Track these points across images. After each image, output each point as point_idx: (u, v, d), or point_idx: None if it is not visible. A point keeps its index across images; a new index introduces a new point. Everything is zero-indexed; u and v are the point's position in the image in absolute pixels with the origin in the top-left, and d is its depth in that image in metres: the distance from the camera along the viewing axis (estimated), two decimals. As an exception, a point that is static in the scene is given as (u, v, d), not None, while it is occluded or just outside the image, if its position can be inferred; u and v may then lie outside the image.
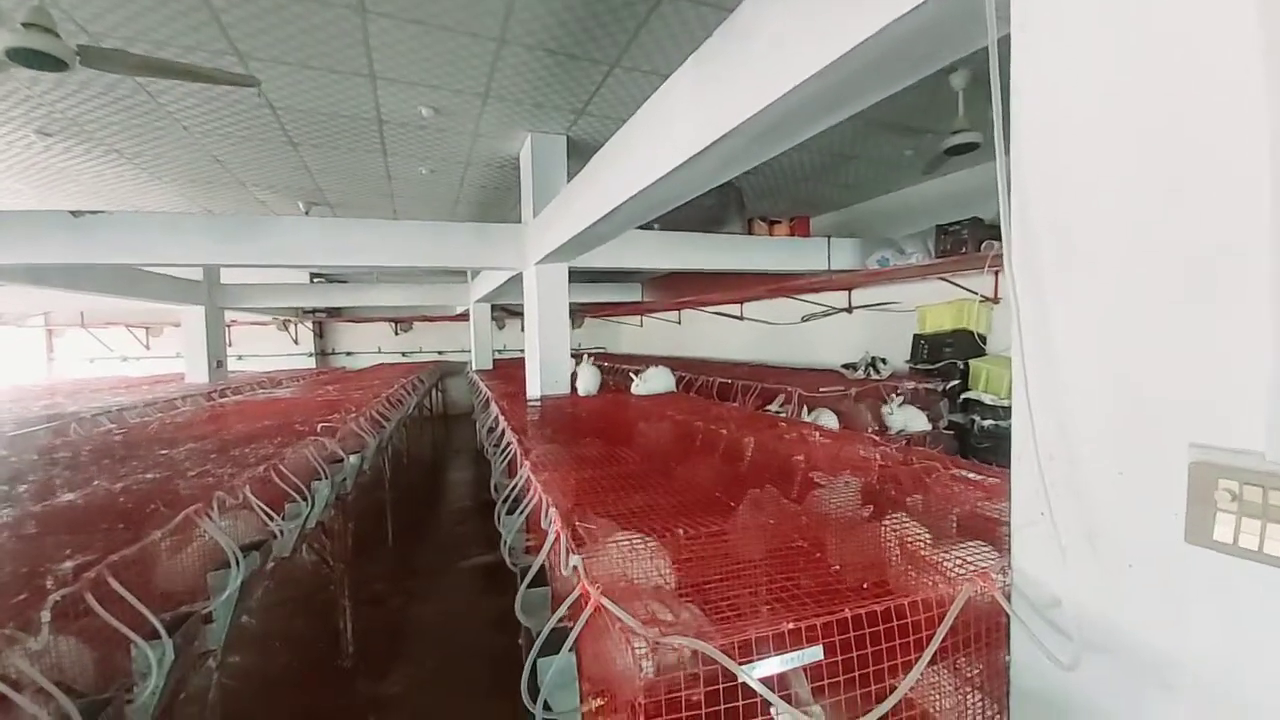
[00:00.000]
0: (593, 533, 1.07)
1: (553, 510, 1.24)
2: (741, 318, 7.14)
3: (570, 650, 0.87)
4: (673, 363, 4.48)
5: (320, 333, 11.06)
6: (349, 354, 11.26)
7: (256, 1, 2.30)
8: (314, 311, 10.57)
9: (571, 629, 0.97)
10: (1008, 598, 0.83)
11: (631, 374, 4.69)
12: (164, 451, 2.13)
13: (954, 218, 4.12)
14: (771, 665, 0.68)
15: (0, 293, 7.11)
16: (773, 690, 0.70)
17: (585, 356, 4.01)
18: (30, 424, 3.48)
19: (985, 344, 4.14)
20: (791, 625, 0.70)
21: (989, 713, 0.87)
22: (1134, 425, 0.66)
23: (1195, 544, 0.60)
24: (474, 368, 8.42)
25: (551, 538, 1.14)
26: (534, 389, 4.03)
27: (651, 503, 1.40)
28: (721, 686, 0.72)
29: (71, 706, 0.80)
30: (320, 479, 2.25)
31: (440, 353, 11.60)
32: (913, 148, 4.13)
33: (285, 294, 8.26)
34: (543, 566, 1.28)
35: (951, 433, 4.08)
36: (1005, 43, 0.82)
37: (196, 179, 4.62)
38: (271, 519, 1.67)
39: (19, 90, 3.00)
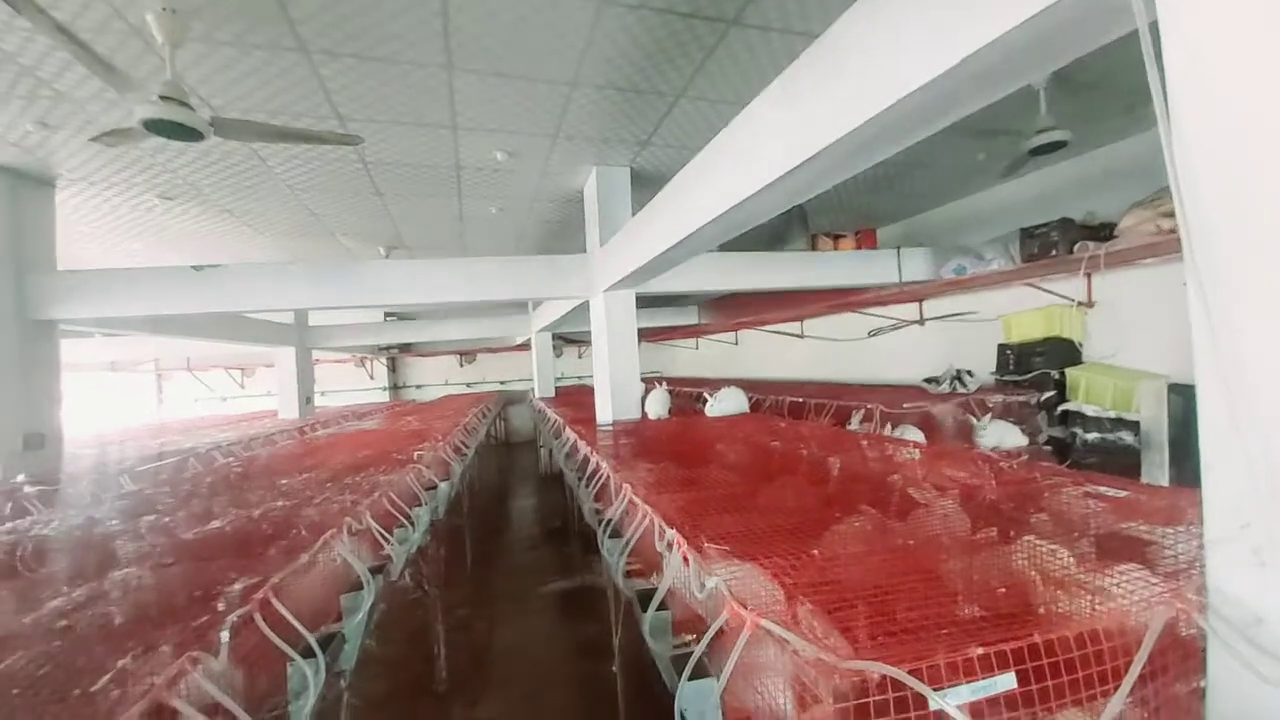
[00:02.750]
0: (724, 554, 1.06)
1: (672, 532, 1.23)
2: (802, 335, 6.99)
3: (724, 678, 0.85)
4: (733, 384, 4.42)
5: (393, 368, 11.70)
6: (419, 387, 11.83)
7: (357, 69, 2.53)
8: (388, 348, 11.22)
9: (698, 655, 0.96)
10: (1204, 617, 0.75)
11: (695, 397, 4.66)
12: (283, 482, 2.30)
13: (1033, 220, 3.90)
14: (963, 694, 0.64)
15: (118, 342, 7.93)
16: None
17: (659, 383, 4.03)
18: (153, 459, 3.83)
19: (1081, 351, 3.85)
20: (980, 651, 0.66)
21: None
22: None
23: None
24: (537, 395, 8.64)
25: (676, 560, 1.14)
26: (604, 414, 4.08)
27: (764, 524, 1.37)
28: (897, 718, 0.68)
29: (255, 721, 0.85)
30: (420, 505, 2.35)
31: (502, 382, 12.00)
32: (985, 151, 3.98)
33: (363, 333, 8.83)
34: (653, 592, 1.27)
35: (1051, 448, 3.79)
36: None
37: (293, 231, 5.07)
38: (388, 542, 1.76)
39: (144, 159, 3.41)
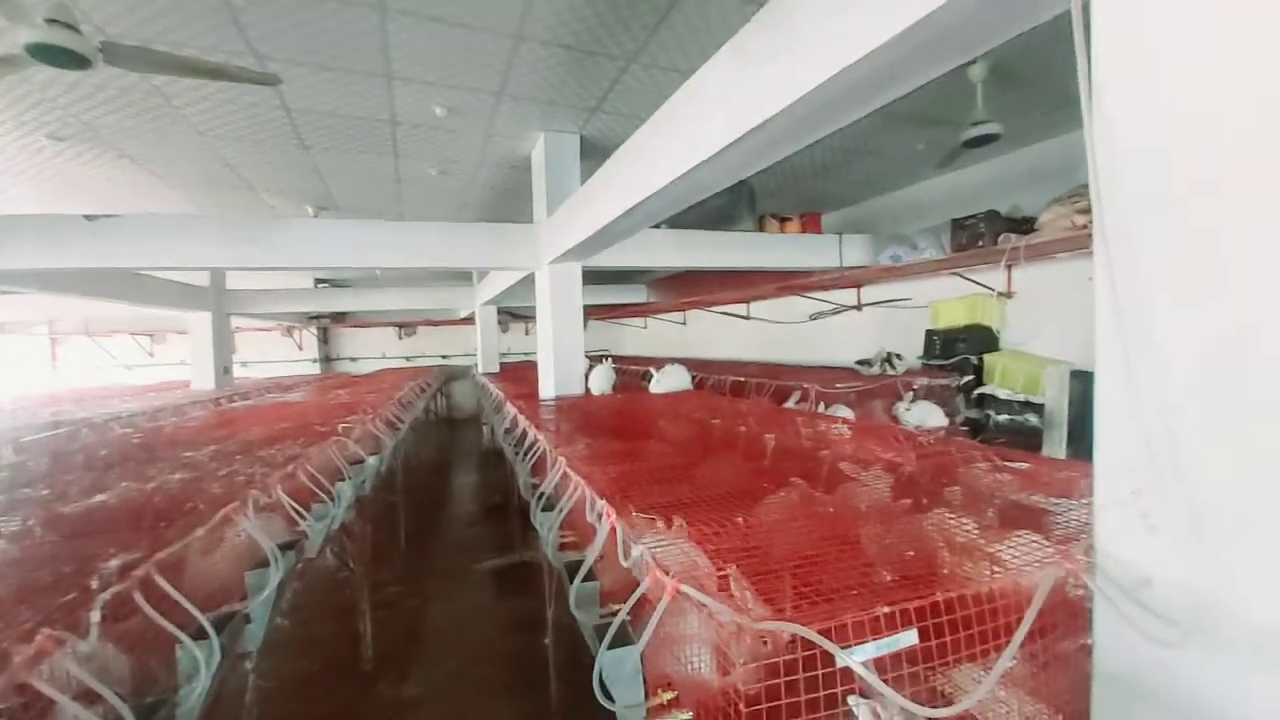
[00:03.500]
0: (652, 524, 1.05)
1: (602, 503, 1.21)
2: (748, 317, 7.12)
3: (642, 644, 0.84)
4: (680, 363, 4.45)
5: (325, 338, 11.05)
6: (353, 359, 11.24)
7: (278, 2, 2.29)
8: (319, 317, 10.56)
9: (623, 621, 0.95)
10: (1092, 578, 0.80)
11: (641, 374, 4.67)
12: (187, 454, 2.11)
13: (966, 212, 4.10)
14: (868, 651, 0.65)
15: (5, 301, 7.06)
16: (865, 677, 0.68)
17: (605, 359, 3.99)
18: (40, 430, 3.45)
19: (999, 338, 4.12)
20: (886, 609, 0.68)
21: (1068, 698, 0.85)
22: (1243, 400, 0.64)
23: None
24: (481, 371, 8.41)
25: (604, 530, 1.12)
26: (548, 389, 4.01)
27: (697, 495, 1.38)
28: (801, 677, 0.70)
29: (127, 711, 0.77)
30: (343, 480, 2.23)
31: (444, 357, 11.59)
32: (925, 141, 4.11)
33: (291, 299, 8.24)
34: (581, 563, 1.25)
35: (967, 428, 4.05)
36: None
37: (207, 183, 4.61)
38: (303, 518, 1.65)
39: (33, 94, 2.99)
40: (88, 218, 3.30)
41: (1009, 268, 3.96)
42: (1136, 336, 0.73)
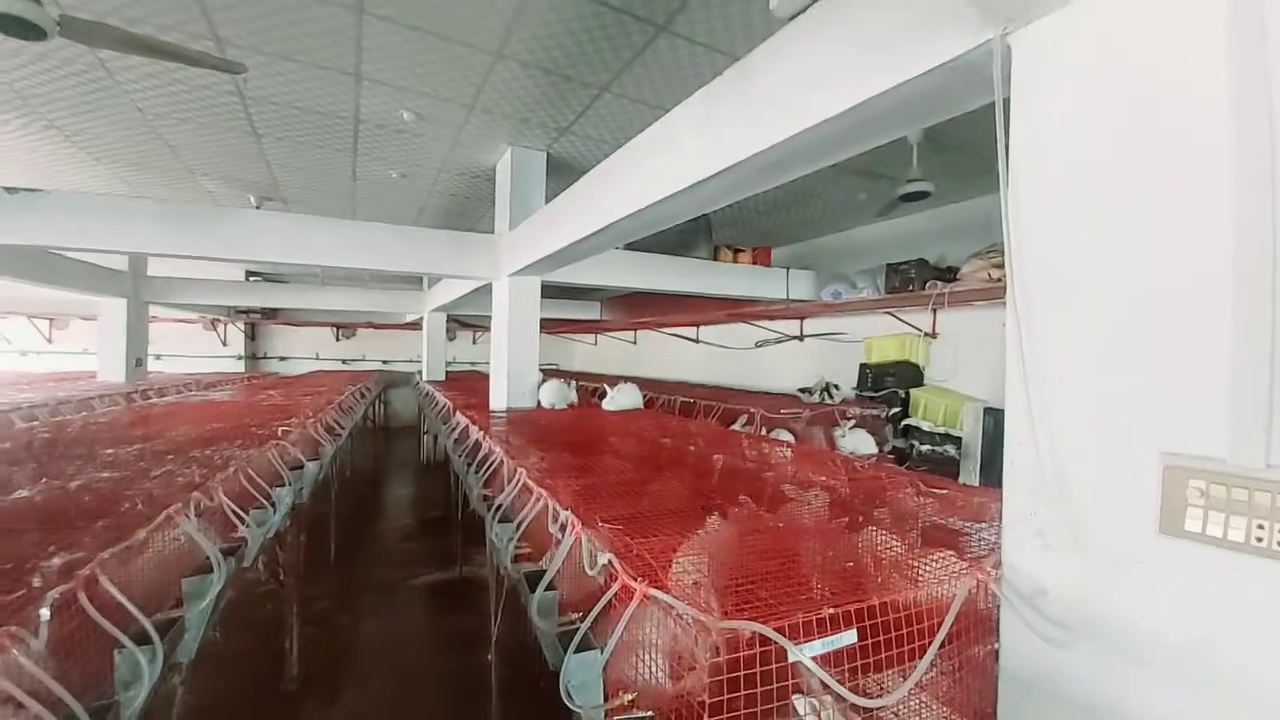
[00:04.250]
0: (616, 534, 1.11)
1: (566, 513, 1.26)
2: (698, 340, 7.33)
3: (608, 648, 0.89)
4: (630, 381, 4.55)
5: (253, 335, 10.36)
6: (283, 359, 10.60)
7: (246, -11, 2.24)
8: (248, 312, 9.91)
9: (585, 629, 1.00)
10: (999, 587, 0.94)
11: (592, 391, 4.71)
12: (109, 452, 1.96)
13: (903, 257, 4.47)
14: (816, 647, 0.74)
15: None
16: (800, 677, 0.77)
17: (561, 376, 4.01)
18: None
19: (924, 375, 4.48)
20: (831, 611, 0.77)
21: (977, 695, 0.97)
22: (1115, 435, 0.79)
23: (1169, 534, 0.72)
24: (426, 378, 8.15)
25: (569, 539, 1.17)
26: (499, 401, 3.98)
27: (649, 509, 1.45)
28: (757, 673, 0.77)
29: (82, 710, 0.75)
30: (282, 485, 2.14)
31: (385, 362, 11.14)
32: (866, 191, 4.47)
33: (219, 291, 7.71)
34: (541, 574, 1.29)
35: (894, 456, 4.36)
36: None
37: (140, 163, 4.31)
38: (243, 523, 1.58)
39: None
40: (8, 190, 3.02)
41: (934, 311, 4.34)
42: (1035, 376, 0.88)
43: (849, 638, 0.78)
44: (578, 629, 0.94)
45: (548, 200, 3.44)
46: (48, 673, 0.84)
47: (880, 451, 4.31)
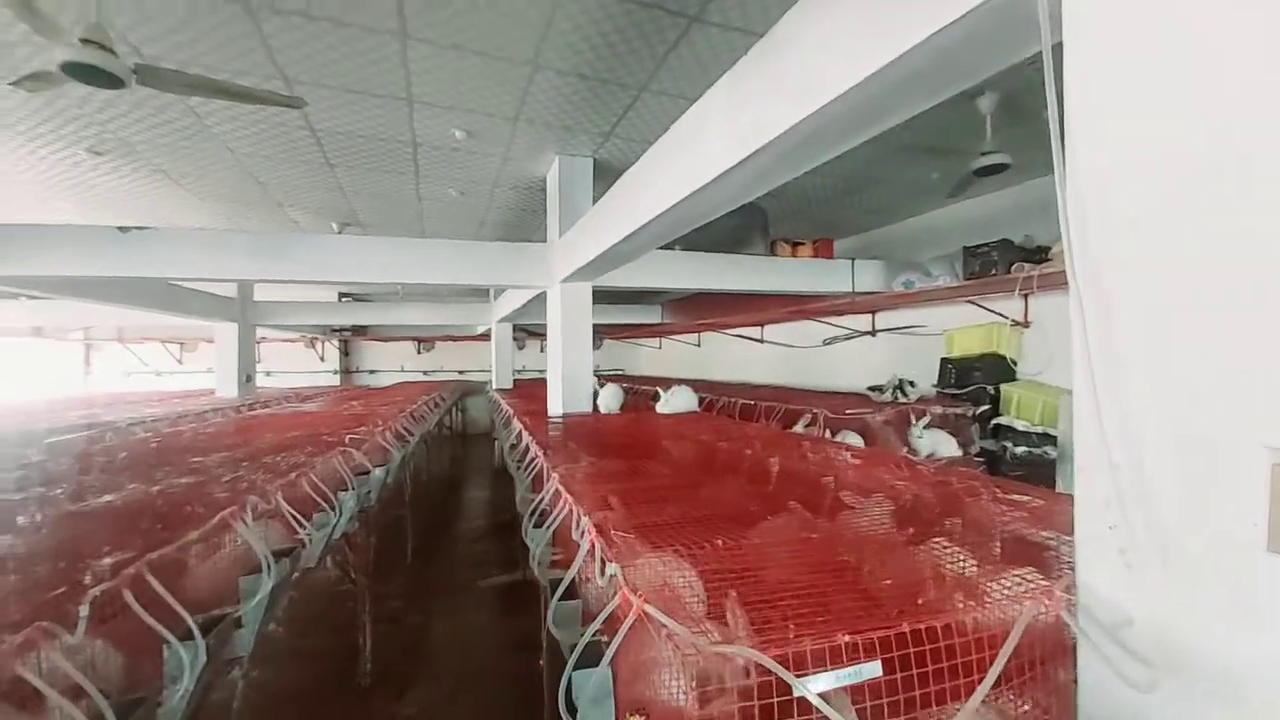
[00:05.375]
0: (629, 543, 1.05)
1: (585, 520, 1.22)
2: (762, 340, 7.10)
3: (609, 663, 0.84)
4: (692, 384, 4.46)
5: (346, 351, 11.29)
6: (372, 372, 11.45)
7: (304, 28, 2.41)
8: (340, 330, 10.81)
9: (606, 641, 0.95)
10: (1073, 616, 0.78)
11: (652, 394, 4.67)
12: (197, 459, 2.17)
13: (979, 240, 4.08)
14: (827, 680, 0.64)
15: (43, 306, 7.36)
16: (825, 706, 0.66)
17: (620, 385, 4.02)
18: (67, 432, 3.57)
19: (1016, 368, 4.04)
20: (847, 638, 0.67)
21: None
22: (1206, 432, 0.63)
23: (1278, 552, 0.56)
24: (494, 386, 8.49)
25: (585, 547, 1.12)
26: (555, 406, 4.04)
27: (683, 515, 1.37)
28: (760, 703, 0.68)
29: (106, 705, 0.79)
30: (346, 490, 2.26)
31: (461, 372, 11.74)
32: (938, 170, 4.12)
33: (314, 312, 8.46)
34: (574, 579, 1.25)
35: (983, 459, 3.96)
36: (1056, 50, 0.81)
37: (237, 199, 4.81)
38: (302, 526, 1.68)
39: (71, 109, 3.16)
40: (121, 229, 3.46)
41: (1024, 297, 3.91)
42: (1105, 374, 0.72)
43: (872, 670, 0.67)
44: (580, 646, 0.88)
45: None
46: (95, 666, 0.90)
47: (965, 454, 3.94)
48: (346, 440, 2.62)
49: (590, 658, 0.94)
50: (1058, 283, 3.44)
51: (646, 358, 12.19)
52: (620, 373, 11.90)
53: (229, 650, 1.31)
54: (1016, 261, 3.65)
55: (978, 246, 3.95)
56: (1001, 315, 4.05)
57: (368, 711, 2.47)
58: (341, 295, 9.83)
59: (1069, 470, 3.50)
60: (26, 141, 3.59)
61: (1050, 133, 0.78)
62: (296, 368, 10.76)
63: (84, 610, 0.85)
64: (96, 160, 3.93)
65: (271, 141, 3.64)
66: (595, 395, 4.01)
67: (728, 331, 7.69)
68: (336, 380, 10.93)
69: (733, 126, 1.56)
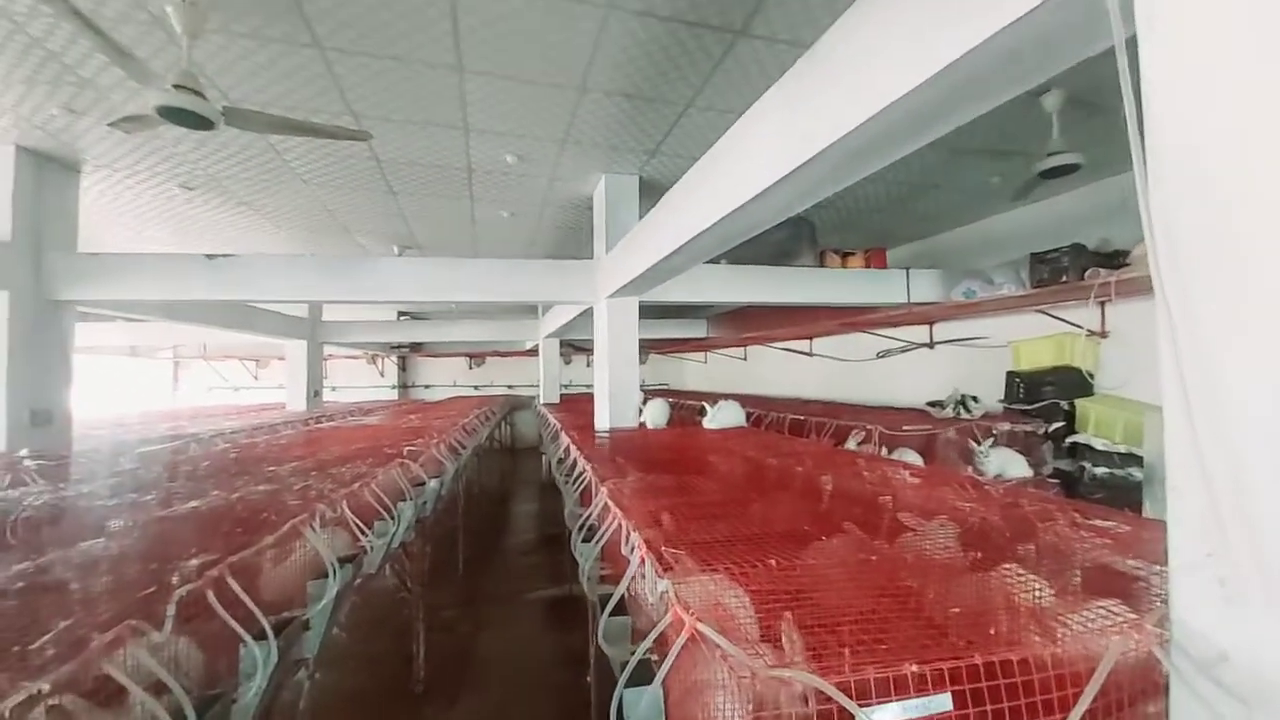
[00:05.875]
0: (680, 559, 1.03)
1: (635, 535, 1.21)
2: (811, 354, 6.93)
3: (660, 683, 0.82)
4: (739, 399, 4.39)
5: (404, 366, 11.82)
6: (427, 386, 11.92)
7: (370, 67, 2.59)
8: (399, 347, 11.34)
9: (656, 660, 0.93)
10: (1166, 652, 0.71)
11: (698, 409, 4.63)
12: (271, 468, 2.31)
13: (1046, 246, 3.84)
14: (893, 712, 0.61)
15: (138, 327, 8.09)
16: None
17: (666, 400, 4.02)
18: (156, 443, 3.89)
19: (1093, 382, 3.76)
20: (915, 668, 0.63)
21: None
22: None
23: None
24: (542, 400, 8.65)
25: (635, 563, 1.11)
26: (603, 421, 4.06)
27: (734, 533, 1.34)
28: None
29: (187, 701, 0.85)
30: (405, 500, 2.35)
31: (510, 387, 12.04)
32: (999, 174, 3.93)
33: (376, 330, 8.94)
34: (623, 596, 1.24)
35: (1057, 481, 3.69)
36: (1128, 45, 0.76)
37: (310, 226, 5.17)
38: (364, 534, 1.75)
39: (165, 148, 3.50)
40: (208, 256, 3.78)
41: (1101, 304, 3.65)
42: (1200, 385, 0.66)
43: (941, 703, 0.63)
44: (631, 664, 0.88)
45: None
46: (178, 662, 0.96)
47: (1036, 474, 3.68)
48: (404, 452, 2.73)
49: (641, 676, 0.93)
50: (1140, 289, 3.19)
51: (692, 372, 12.13)
52: (665, 387, 11.88)
53: (296, 651, 1.38)
54: (1090, 267, 3.42)
55: (1047, 252, 3.73)
56: (1074, 324, 3.79)
57: (419, 717, 2.52)
58: (400, 314, 10.33)
59: (1158, 493, 3.21)
60: (126, 178, 3.99)
61: (1128, 131, 0.73)
62: (359, 383, 11.35)
63: (170, 610, 0.92)
64: (188, 194, 4.32)
65: (341, 172, 3.89)
66: (640, 410, 4.01)
67: (775, 345, 7.55)
68: (395, 395, 11.44)
69: (783, 136, 1.55)
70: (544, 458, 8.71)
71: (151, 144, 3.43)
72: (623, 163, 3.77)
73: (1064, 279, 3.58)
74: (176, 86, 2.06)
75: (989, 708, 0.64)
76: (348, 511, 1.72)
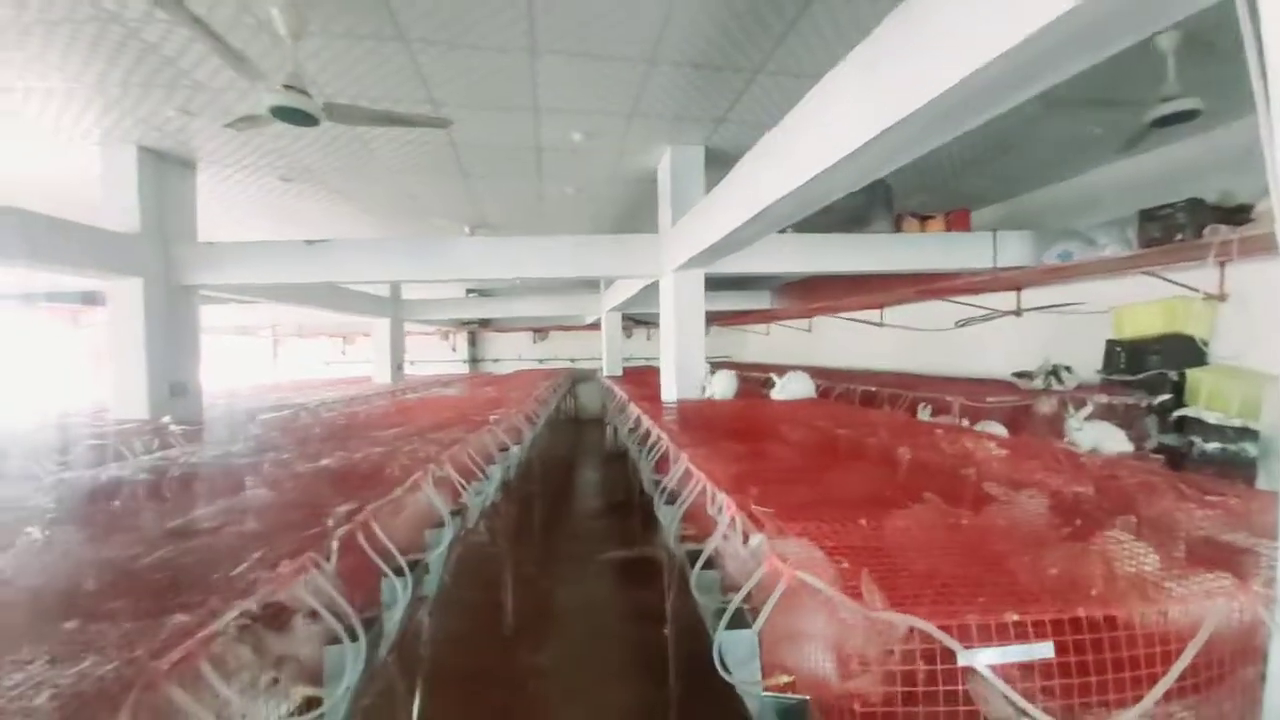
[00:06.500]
0: (769, 518, 1.10)
1: (722, 496, 1.29)
2: (881, 324, 6.67)
3: (758, 630, 0.90)
4: (804, 371, 4.33)
5: (473, 341, 12.41)
6: (495, 360, 12.48)
7: (447, 56, 2.70)
8: (469, 322, 11.91)
9: (747, 609, 1.01)
10: (1271, 613, 0.70)
11: (762, 381, 4.62)
12: (377, 433, 2.57)
13: (1157, 201, 3.49)
14: (993, 655, 0.65)
15: (245, 309, 8.93)
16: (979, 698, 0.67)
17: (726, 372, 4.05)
18: (272, 411, 4.36)
19: (1207, 350, 3.44)
20: (1015, 616, 0.67)
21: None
22: None
23: None
24: (605, 373, 8.86)
25: (725, 521, 1.19)
26: (669, 392, 4.15)
27: (813, 497, 1.39)
28: (914, 675, 0.70)
29: (356, 620, 1.01)
30: (494, 463, 2.54)
31: (572, 360, 12.39)
32: (1101, 124, 3.59)
33: (449, 307, 9.43)
34: (700, 552, 1.33)
35: (1162, 456, 3.43)
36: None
37: (392, 211, 5.49)
38: (465, 490, 1.93)
39: (266, 144, 3.81)
40: (308, 243, 4.12)
41: (1221, 265, 3.30)
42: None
43: (1043, 650, 0.67)
44: (730, 610, 0.96)
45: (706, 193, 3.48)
46: (340, 590, 1.13)
47: (1139, 449, 3.44)
48: (491, 420, 2.93)
49: (732, 624, 1.01)
50: (1266, 246, 2.86)
51: (755, 344, 11.98)
52: (727, 359, 11.80)
53: (418, 590, 1.57)
54: (1209, 224, 3.09)
55: (1158, 209, 3.40)
56: (1188, 288, 3.46)
57: (513, 657, 2.79)
58: (468, 291, 10.81)
59: (1275, 467, 2.93)
60: (235, 173, 4.39)
61: (1252, 81, 0.70)
62: (433, 358, 12.04)
63: (334, 545, 1.09)
64: (286, 185, 4.69)
65: (421, 158, 4.11)
66: (706, 381, 4.06)
67: (841, 315, 7.32)
68: (465, 368, 12.06)
69: (868, 99, 1.52)
70: (607, 428, 9.00)
71: (254, 140, 3.74)
72: (689, 133, 3.75)
73: (1179, 237, 3.26)
74: (286, 87, 2.25)
75: (1091, 658, 0.67)
76: (452, 471, 1.91)
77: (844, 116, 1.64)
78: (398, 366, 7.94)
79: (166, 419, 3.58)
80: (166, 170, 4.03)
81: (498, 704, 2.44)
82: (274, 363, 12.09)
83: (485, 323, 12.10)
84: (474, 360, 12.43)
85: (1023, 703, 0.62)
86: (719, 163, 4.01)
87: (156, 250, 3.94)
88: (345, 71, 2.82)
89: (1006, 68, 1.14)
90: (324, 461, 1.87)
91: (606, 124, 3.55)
